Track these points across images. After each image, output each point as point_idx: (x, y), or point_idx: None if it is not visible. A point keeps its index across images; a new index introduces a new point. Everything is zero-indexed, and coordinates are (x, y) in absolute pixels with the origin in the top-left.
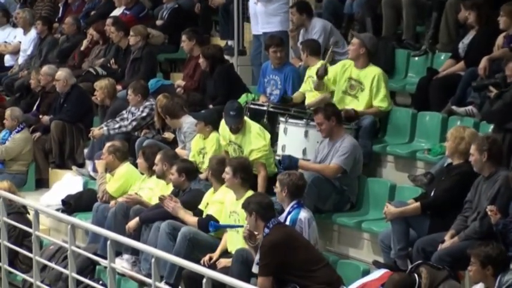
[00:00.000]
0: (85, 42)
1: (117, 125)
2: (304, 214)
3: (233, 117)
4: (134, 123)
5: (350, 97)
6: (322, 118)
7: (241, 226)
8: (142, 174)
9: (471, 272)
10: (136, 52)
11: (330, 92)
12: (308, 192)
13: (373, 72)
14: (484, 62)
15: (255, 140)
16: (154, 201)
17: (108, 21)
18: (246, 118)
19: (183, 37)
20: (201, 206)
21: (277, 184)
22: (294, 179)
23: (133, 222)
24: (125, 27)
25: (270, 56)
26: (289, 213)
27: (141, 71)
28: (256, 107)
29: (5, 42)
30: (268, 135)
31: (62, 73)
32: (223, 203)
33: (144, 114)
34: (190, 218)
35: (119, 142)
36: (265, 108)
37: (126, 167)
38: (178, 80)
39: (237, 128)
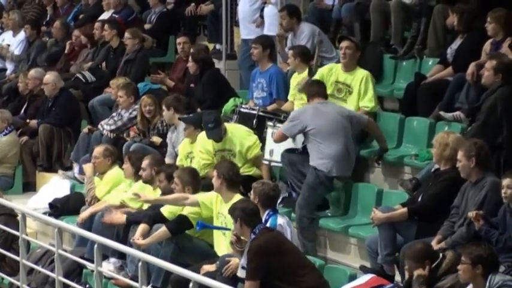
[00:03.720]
0: (68, 45)
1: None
2: (282, 219)
3: (212, 128)
4: (120, 123)
5: (338, 100)
6: None
7: (229, 229)
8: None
9: (461, 270)
10: (130, 54)
11: None
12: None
13: (361, 74)
14: (472, 67)
15: (247, 137)
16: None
17: (97, 24)
18: (225, 123)
19: (184, 39)
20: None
21: (252, 191)
22: (266, 188)
23: (120, 219)
24: (119, 27)
25: None
26: (266, 221)
27: (133, 72)
28: (247, 110)
29: None
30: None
31: (50, 77)
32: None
33: (132, 116)
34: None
35: (111, 146)
36: (255, 112)
37: (115, 171)
38: (168, 80)
39: (220, 137)
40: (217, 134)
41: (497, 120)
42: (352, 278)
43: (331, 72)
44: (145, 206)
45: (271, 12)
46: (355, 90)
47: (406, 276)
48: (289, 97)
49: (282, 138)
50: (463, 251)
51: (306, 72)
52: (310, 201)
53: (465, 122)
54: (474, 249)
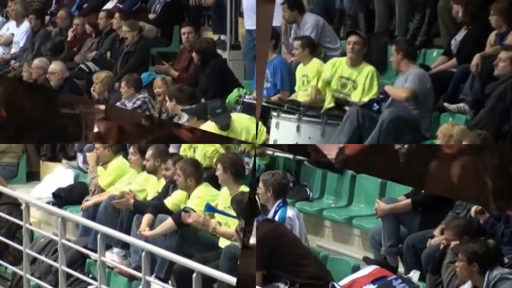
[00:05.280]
0: (70, 33)
1: None
2: (291, 212)
3: (220, 114)
4: None
5: (342, 96)
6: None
7: (234, 217)
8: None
9: (458, 267)
10: (129, 46)
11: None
12: (385, 129)
13: (367, 69)
14: (476, 59)
15: (252, 124)
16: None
17: (102, 14)
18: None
19: (188, 29)
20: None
21: (261, 185)
22: (278, 178)
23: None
24: (127, 18)
25: None
26: (275, 212)
27: (130, 61)
28: (251, 101)
29: None
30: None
31: (56, 66)
32: (200, 197)
33: (135, 105)
34: None
35: None
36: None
37: (119, 161)
38: (172, 71)
39: (228, 124)
40: (226, 118)
41: (505, 109)
42: (356, 269)
43: (335, 67)
44: (150, 197)
45: (278, 3)
46: (360, 85)
47: (442, 245)
48: (296, 88)
49: (413, 96)
50: (459, 247)
51: (313, 63)
52: None
53: (469, 113)
54: (470, 246)
